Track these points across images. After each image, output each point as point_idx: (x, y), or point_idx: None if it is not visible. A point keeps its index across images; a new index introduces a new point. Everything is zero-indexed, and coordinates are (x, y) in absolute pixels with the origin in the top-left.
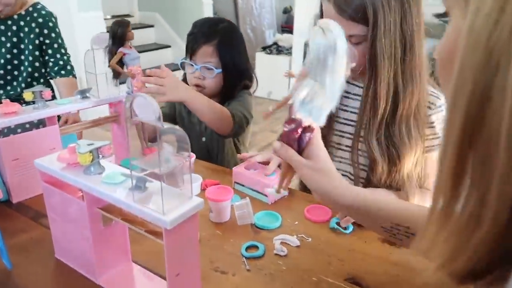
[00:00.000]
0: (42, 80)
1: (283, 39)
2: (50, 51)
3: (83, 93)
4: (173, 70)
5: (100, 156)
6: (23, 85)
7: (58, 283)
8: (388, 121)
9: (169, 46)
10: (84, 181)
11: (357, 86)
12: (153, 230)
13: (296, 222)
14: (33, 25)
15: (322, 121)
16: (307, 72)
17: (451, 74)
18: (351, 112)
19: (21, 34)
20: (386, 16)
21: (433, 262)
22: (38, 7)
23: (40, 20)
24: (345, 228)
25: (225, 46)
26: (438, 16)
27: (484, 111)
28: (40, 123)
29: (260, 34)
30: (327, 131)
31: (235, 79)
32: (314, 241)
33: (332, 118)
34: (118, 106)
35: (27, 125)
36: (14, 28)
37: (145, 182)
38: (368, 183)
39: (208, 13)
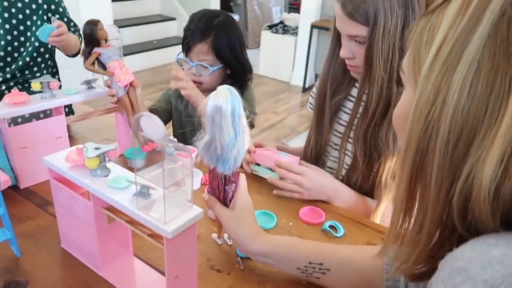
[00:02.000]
0: (47, 56)
1: (290, 18)
2: None
3: (89, 84)
4: (176, 44)
5: (107, 159)
6: (27, 59)
7: (64, 273)
8: (377, 122)
9: (174, 19)
10: (90, 183)
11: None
12: (155, 233)
13: (291, 223)
14: (40, 1)
15: (228, 169)
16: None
17: (403, 132)
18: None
19: (27, 11)
20: (386, 20)
21: (393, 264)
22: None
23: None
24: (336, 232)
25: (220, 43)
26: None
27: (423, 163)
28: (47, 112)
29: (267, 10)
30: (327, 130)
31: (240, 73)
32: None
33: (333, 119)
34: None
35: (42, 115)
36: (19, 5)
37: (148, 189)
38: (345, 183)
39: None
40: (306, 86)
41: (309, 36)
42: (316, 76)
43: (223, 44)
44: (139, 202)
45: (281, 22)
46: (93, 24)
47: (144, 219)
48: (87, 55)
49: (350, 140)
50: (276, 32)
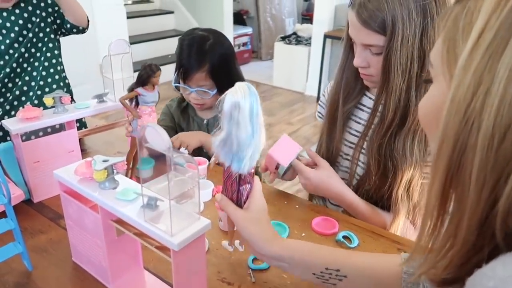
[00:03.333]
0: (60, 60)
1: (303, 29)
2: (59, 21)
3: (100, 97)
4: None
5: (115, 171)
6: (40, 68)
7: (75, 287)
8: (393, 133)
9: None
10: (99, 195)
11: (370, 98)
12: (163, 246)
13: (303, 234)
14: (42, 4)
15: (243, 168)
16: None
17: (435, 128)
18: (363, 124)
19: (33, 19)
20: (405, 28)
21: (419, 269)
22: None
23: (42, 4)
24: (350, 242)
25: (216, 68)
26: None
27: (461, 161)
28: (61, 126)
29: (280, 22)
30: (339, 138)
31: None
32: None
33: (344, 129)
34: None
35: (49, 129)
36: (26, 15)
37: (156, 201)
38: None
39: (228, 1)
40: (321, 96)
41: (323, 46)
42: None
43: (219, 67)
44: (146, 214)
45: (294, 33)
46: (152, 72)
47: (151, 231)
48: (129, 89)
49: (363, 151)
50: (290, 43)
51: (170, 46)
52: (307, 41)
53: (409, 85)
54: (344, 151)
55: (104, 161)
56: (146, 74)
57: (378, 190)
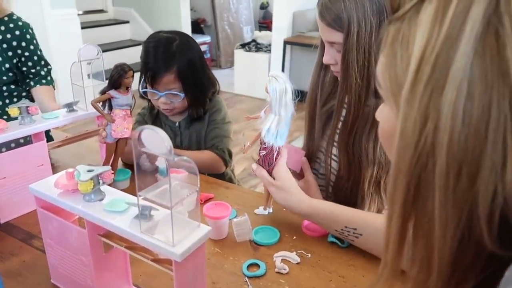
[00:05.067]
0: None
1: (262, 36)
2: (30, 63)
3: (70, 106)
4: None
5: (101, 182)
6: None
7: None
8: (357, 131)
9: None
10: (85, 209)
11: None
12: (160, 258)
13: (295, 237)
14: (8, 36)
15: (283, 142)
16: (269, 109)
17: (391, 153)
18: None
19: (3, 45)
20: (360, 27)
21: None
22: (14, 17)
23: (17, 32)
24: (342, 242)
25: (185, 69)
26: None
27: (419, 197)
28: (26, 139)
29: (238, 30)
30: (319, 137)
31: (200, 97)
32: (313, 257)
33: (325, 126)
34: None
35: (12, 144)
36: None
37: (150, 210)
38: (334, 193)
39: (185, 8)
40: None
41: (283, 52)
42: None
43: (188, 68)
44: (142, 225)
45: (254, 41)
46: (124, 72)
47: (149, 243)
48: (101, 93)
49: (335, 144)
50: (249, 50)
51: (127, 56)
52: (267, 48)
53: (368, 82)
54: (325, 147)
55: (89, 171)
56: (117, 74)
57: (355, 187)
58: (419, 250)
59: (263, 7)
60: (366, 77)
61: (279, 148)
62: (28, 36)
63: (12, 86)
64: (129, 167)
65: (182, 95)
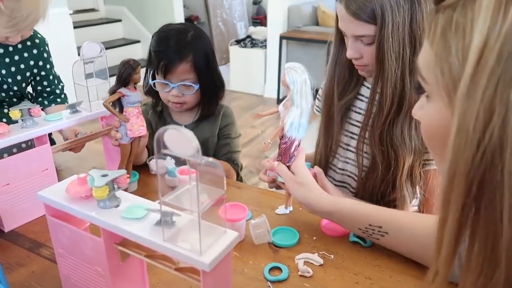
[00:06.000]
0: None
1: (257, 31)
2: (45, 83)
3: (73, 107)
4: (142, 67)
5: (116, 187)
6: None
7: None
8: (392, 120)
9: (138, 41)
10: (101, 217)
11: (368, 88)
12: (185, 267)
13: (314, 238)
14: (25, 55)
15: (303, 134)
16: (290, 102)
17: (440, 149)
18: (362, 114)
19: (12, 69)
20: (394, 16)
21: None
22: (31, 33)
23: (35, 51)
24: (365, 241)
25: (201, 60)
26: None
27: (482, 198)
28: (28, 143)
29: (232, 26)
30: (338, 131)
31: (212, 93)
32: (337, 258)
33: (343, 119)
34: (110, 119)
35: (14, 149)
36: (17, 58)
37: (172, 216)
38: (362, 188)
39: (178, 5)
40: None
41: (279, 48)
42: None
43: (203, 59)
44: (165, 233)
45: (249, 36)
46: (131, 68)
47: (174, 252)
48: (111, 92)
49: (365, 141)
50: (245, 46)
51: (121, 54)
52: (262, 44)
53: (403, 71)
54: (345, 141)
55: (103, 175)
56: (126, 71)
57: (383, 181)
58: (478, 255)
59: (256, 2)
60: (401, 66)
61: (298, 141)
62: (45, 55)
63: (14, 100)
64: (136, 169)
65: (196, 86)
